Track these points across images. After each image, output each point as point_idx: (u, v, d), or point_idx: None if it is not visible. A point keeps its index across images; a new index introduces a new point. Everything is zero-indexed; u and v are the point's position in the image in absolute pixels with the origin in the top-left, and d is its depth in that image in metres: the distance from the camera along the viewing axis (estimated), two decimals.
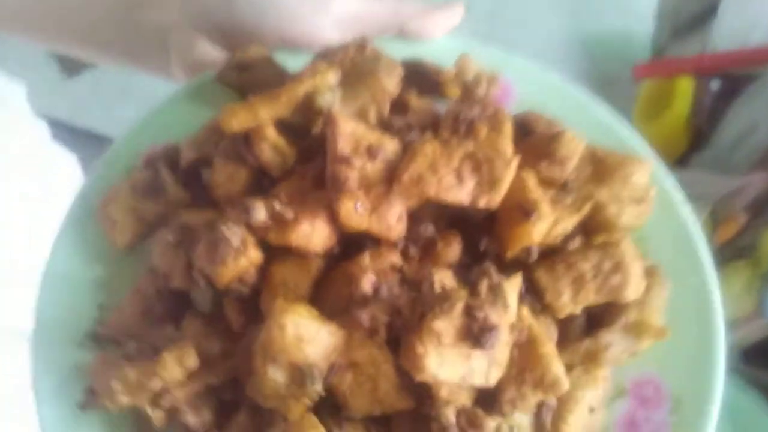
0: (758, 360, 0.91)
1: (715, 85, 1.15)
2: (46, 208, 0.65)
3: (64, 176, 0.76)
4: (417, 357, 0.31)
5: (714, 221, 0.97)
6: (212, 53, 0.49)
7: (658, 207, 0.42)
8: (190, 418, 0.36)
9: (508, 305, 0.33)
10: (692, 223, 0.42)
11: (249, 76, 0.46)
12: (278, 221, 0.36)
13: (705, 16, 1.16)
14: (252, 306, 0.38)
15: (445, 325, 0.32)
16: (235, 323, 0.38)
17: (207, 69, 0.48)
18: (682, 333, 0.40)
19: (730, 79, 1.13)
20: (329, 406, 0.36)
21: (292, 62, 0.46)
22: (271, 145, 0.40)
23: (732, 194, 0.97)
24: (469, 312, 0.32)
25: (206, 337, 0.38)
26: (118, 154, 0.46)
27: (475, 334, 0.32)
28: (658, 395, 0.39)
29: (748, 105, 1.08)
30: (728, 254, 0.95)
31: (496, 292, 0.33)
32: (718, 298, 0.41)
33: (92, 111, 1.42)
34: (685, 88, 1.15)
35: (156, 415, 0.36)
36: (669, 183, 0.43)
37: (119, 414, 0.38)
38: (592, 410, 0.37)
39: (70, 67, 1.49)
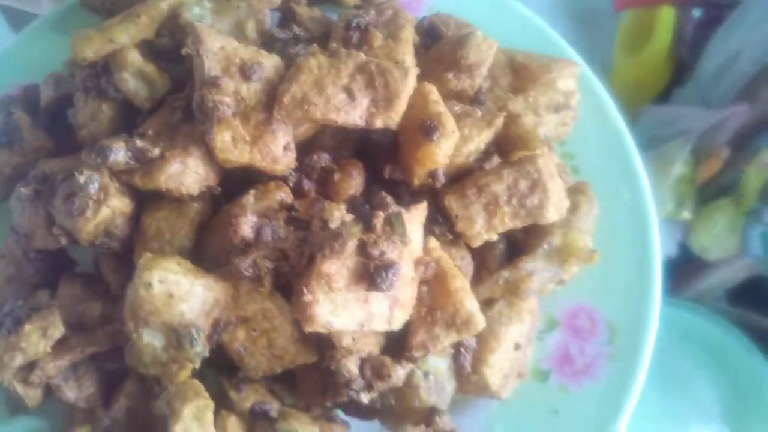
0: (742, 300, 0.91)
1: (697, 13, 1.10)
2: None
3: None
4: (305, 305, 0.27)
5: (696, 158, 0.94)
6: None
7: (586, 117, 0.37)
8: (70, 393, 0.32)
9: (409, 239, 0.29)
10: (624, 131, 0.38)
11: None
12: (143, 161, 0.31)
13: None
14: (130, 263, 0.34)
15: (337, 267, 0.28)
16: (113, 283, 0.34)
17: None
18: (615, 256, 0.37)
19: (712, 6, 1.08)
20: (225, 369, 0.32)
21: None
22: (136, 73, 0.34)
23: (714, 128, 0.95)
24: (363, 250, 0.28)
25: (84, 300, 0.34)
26: None
27: (371, 273, 0.27)
28: (592, 324, 0.36)
29: (731, 33, 1.04)
30: (711, 192, 0.94)
31: (393, 224, 0.28)
32: (653, 215, 0.37)
33: None
34: (666, 17, 1.10)
35: (29, 394, 0.31)
36: (598, 88, 0.39)
37: None
38: (518, 347, 0.34)
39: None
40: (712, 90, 1.03)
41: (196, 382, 0.29)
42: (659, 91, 1.12)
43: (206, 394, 0.29)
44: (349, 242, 0.28)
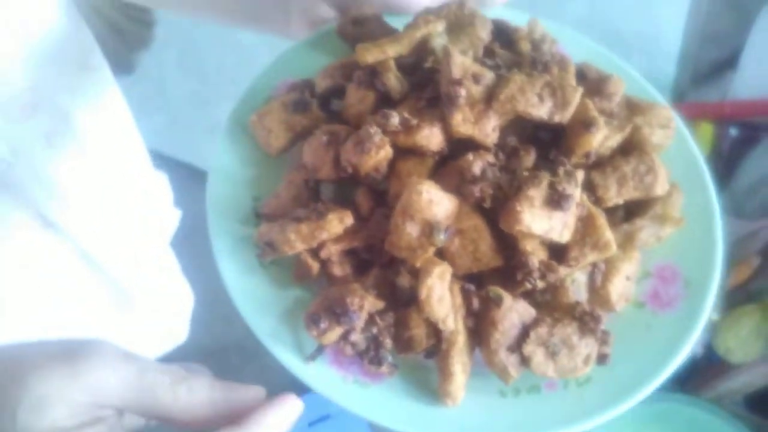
0: (760, 407, 0.93)
1: (734, 131, 1.18)
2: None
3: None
4: (517, 213, 0.45)
5: (728, 264, 0.98)
6: (329, 12, 0.62)
7: (675, 141, 0.56)
8: (337, 270, 0.49)
9: (578, 184, 0.46)
10: (699, 154, 0.56)
11: (361, 29, 0.59)
12: (407, 127, 0.49)
13: (726, 63, 1.19)
14: (376, 195, 0.52)
15: (536, 193, 0.45)
16: (364, 207, 0.51)
17: (324, 25, 0.61)
18: (691, 233, 0.54)
19: (749, 127, 1.16)
20: None
21: (394, 22, 0.59)
22: (394, 76, 0.53)
23: (746, 237, 1.01)
24: (552, 186, 0.46)
25: None
26: (258, 84, 0.59)
27: (556, 199, 0.45)
28: (674, 276, 0.53)
29: (766, 154, 1.12)
30: (739, 298, 0.99)
31: (570, 174, 0.46)
32: (717, 209, 0.54)
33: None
34: (705, 133, 1.17)
35: (313, 265, 0.49)
36: (682, 124, 0.57)
37: (280, 268, 0.50)
38: (628, 279, 0.51)
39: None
40: (745, 203, 1.11)
41: (436, 258, 0.46)
42: None
43: (445, 263, 0.46)
44: (543, 181, 0.46)
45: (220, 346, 1.04)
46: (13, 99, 0.55)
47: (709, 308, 0.51)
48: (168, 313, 0.86)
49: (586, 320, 0.45)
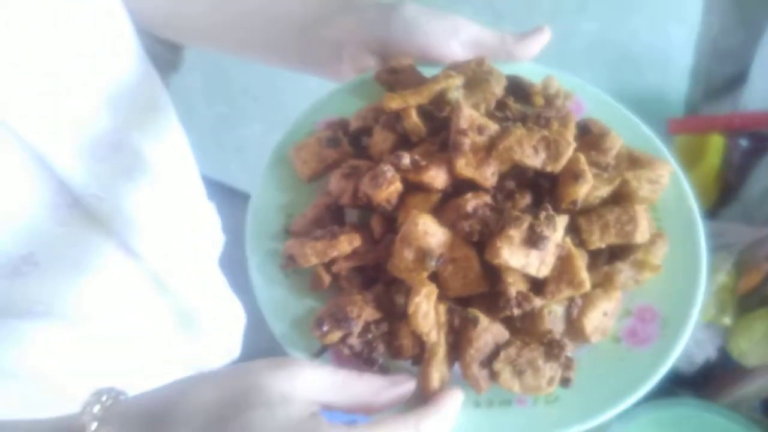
0: None
1: (744, 143, 1.22)
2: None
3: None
4: (497, 249, 0.52)
5: (739, 270, 1.03)
6: (372, 61, 0.71)
7: (671, 189, 0.61)
8: (345, 283, 0.58)
9: (557, 229, 0.53)
10: (694, 204, 0.61)
11: (397, 77, 0.68)
12: (416, 167, 0.57)
13: (737, 78, 1.23)
14: (388, 222, 0.60)
15: (516, 233, 0.52)
16: (377, 232, 0.60)
17: (367, 71, 0.70)
18: (676, 279, 0.59)
19: (758, 137, 1.20)
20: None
21: (427, 71, 0.67)
22: (414, 121, 0.61)
23: (757, 243, 1.03)
24: (531, 228, 0.52)
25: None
26: (302, 121, 0.69)
27: (534, 240, 0.52)
28: (653, 316, 0.58)
29: None
30: (751, 303, 1.01)
31: (550, 219, 0.53)
32: (705, 260, 0.59)
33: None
34: (716, 144, 1.22)
35: (326, 277, 0.57)
36: (682, 177, 0.62)
37: (300, 278, 0.59)
38: (605, 315, 0.56)
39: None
40: (756, 211, 1.14)
41: (428, 281, 0.54)
42: (707, 209, 1.16)
43: (433, 286, 0.53)
44: (525, 223, 0.53)
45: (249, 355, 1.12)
46: (100, 138, 0.61)
47: (680, 348, 0.56)
48: (226, 333, 0.92)
49: (552, 346, 0.51)
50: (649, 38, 1.30)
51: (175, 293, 0.76)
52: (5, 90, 0.51)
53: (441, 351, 0.53)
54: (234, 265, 0.73)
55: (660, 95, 1.40)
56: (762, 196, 1.12)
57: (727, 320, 1.01)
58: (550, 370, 0.52)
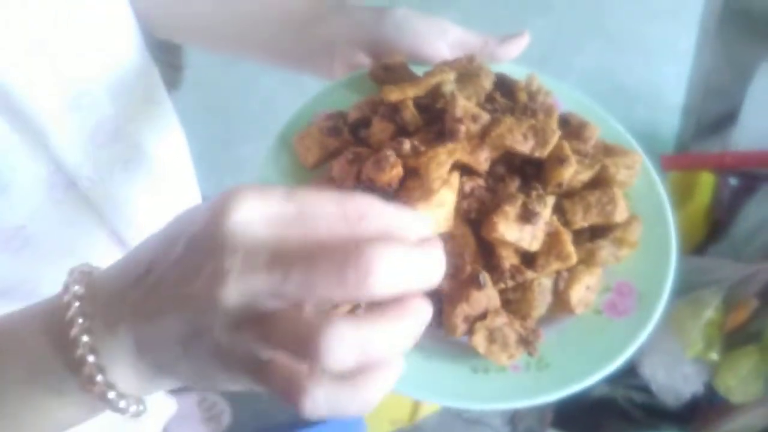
0: None
1: (734, 181, 1.27)
2: None
3: None
4: (494, 224, 0.57)
5: (727, 306, 1.05)
6: (365, 59, 0.76)
7: (641, 177, 0.67)
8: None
9: (547, 206, 0.58)
10: (662, 190, 0.67)
11: (390, 74, 0.73)
12: (416, 152, 0.62)
13: (727, 117, 1.27)
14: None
15: (511, 210, 0.57)
16: None
17: (360, 69, 0.75)
18: (650, 258, 0.65)
19: (748, 176, 1.25)
20: None
21: (416, 70, 0.73)
22: (411, 112, 0.66)
23: (744, 280, 1.06)
24: (524, 205, 0.58)
25: None
26: (301, 114, 0.73)
27: (527, 216, 0.57)
28: (630, 291, 0.64)
29: (764, 202, 1.19)
30: (738, 339, 1.04)
31: (540, 197, 0.58)
32: (674, 240, 0.65)
33: None
34: (706, 181, 1.26)
35: None
36: (650, 166, 0.69)
37: None
38: (588, 288, 0.62)
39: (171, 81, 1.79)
40: (744, 248, 1.18)
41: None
42: (696, 245, 1.26)
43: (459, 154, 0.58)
44: (518, 201, 0.58)
45: None
46: (100, 125, 0.61)
47: (656, 319, 0.61)
48: None
49: (529, 338, 0.57)
50: (642, 74, 1.36)
51: None
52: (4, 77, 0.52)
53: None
54: None
55: (652, 131, 1.44)
56: (750, 233, 1.15)
57: (714, 356, 1.03)
58: (515, 350, 0.56)
